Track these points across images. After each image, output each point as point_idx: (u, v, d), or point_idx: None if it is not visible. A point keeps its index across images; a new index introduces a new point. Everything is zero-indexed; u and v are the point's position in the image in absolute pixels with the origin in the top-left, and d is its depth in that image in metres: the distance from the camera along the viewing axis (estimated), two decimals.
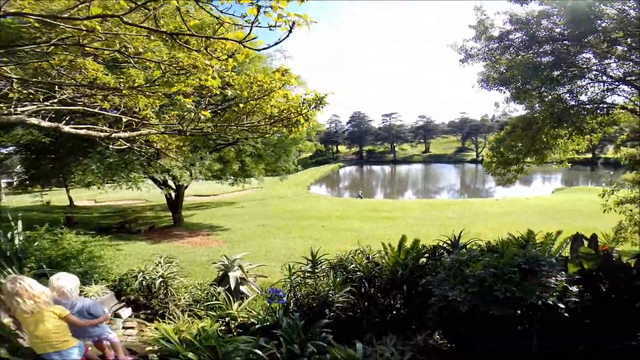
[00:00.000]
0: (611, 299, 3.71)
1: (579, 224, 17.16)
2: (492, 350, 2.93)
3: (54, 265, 4.87)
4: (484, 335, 2.86)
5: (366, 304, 3.95)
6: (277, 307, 4.05)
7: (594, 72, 6.85)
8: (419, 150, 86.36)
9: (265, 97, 4.42)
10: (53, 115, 6.25)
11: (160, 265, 5.64)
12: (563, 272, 3.32)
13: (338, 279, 4.11)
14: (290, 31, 1.97)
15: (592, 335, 3.22)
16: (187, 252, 12.06)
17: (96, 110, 4.54)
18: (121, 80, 4.65)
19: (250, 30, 2.01)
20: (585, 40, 6.06)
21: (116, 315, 4.20)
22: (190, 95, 3.73)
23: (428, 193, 42.09)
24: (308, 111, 4.19)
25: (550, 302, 2.78)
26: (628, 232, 7.19)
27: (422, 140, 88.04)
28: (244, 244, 13.51)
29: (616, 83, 6.73)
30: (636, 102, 6.95)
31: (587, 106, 6.90)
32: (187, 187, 18.41)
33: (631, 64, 6.36)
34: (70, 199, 27.72)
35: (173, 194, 17.50)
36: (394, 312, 4.16)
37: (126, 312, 4.36)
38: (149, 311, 4.99)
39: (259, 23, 2.42)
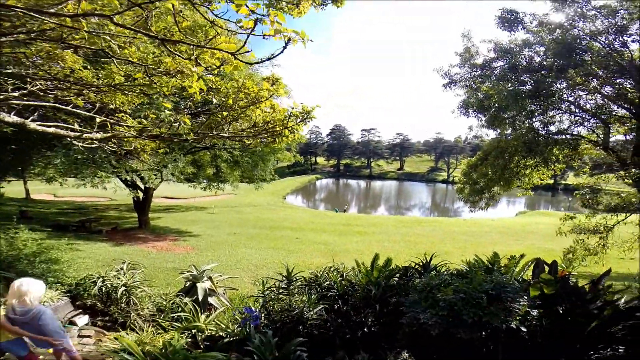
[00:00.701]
0: (567, 321, 3.96)
1: (539, 245, 18.23)
2: None
3: (4, 266, 4.50)
4: (452, 357, 2.94)
5: (339, 321, 3.94)
6: (248, 322, 3.96)
7: (567, 104, 7.42)
8: (394, 167, 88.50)
9: (251, 106, 4.40)
10: (20, 108, 5.87)
11: (122, 271, 5.34)
12: (525, 297, 3.51)
13: (313, 296, 4.08)
14: (285, 47, 1.99)
15: (550, 355, 3.40)
16: (152, 257, 11.51)
17: (69, 107, 4.32)
18: (100, 75, 4.47)
19: (245, 42, 2.01)
20: (565, 71, 6.55)
21: (71, 322, 3.90)
22: (169, 95, 3.65)
23: (400, 210, 43.08)
24: (294, 125, 4.20)
25: (514, 326, 2.92)
26: (576, 255, 7.69)
27: (397, 158, 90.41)
28: (212, 252, 13.11)
29: (586, 116, 7.32)
30: (599, 135, 7.58)
31: (555, 137, 7.44)
32: (155, 189, 17.71)
33: (599, 97, 6.95)
34: (27, 191, 25.78)
35: (141, 195, 16.75)
36: (365, 329, 4.18)
37: (83, 319, 4.06)
38: (106, 318, 4.69)
39: (255, 33, 2.42)
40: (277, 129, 4.81)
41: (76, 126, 5.15)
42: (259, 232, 18.31)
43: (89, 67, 4.51)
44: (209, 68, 2.42)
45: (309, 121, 4.76)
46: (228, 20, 2.73)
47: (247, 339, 3.49)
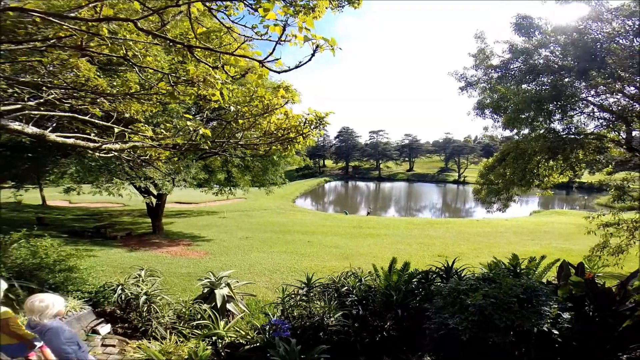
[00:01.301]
0: (597, 323, 3.82)
1: (556, 245, 17.76)
2: None
3: (26, 276, 4.55)
4: None
5: (359, 326, 3.87)
6: (268, 328, 3.91)
7: (586, 104, 7.22)
8: (404, 169, 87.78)
9: (266, 114, 4.38)
10: (37, 118, 5.98)
11: (141, 278, 5.37)
12: (554, 300, 3.39)
13: (333, 302, 4.02)
14: (313, 54, 1.94)
15: (582, 357, 3.28)
16: (167, 263, 11.60)
17: (87, 117, 4.37)
18: (115, 84, 4.52)
19: (274, 49, 1.97)
20: (586, 73, 6.38)
21: (94, 331, 3.92)
22: (190, 105, 3.64)
23: (411, 211, 42.65)
24: (310, 131, 4.16)
25: (545, 329, 2.81)
26: (603, 253, 7.47)
27: (406, 159, 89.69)
28: (226, 257, 13.15)
29: (609, 116, 7.12)
30: (620, 134, 7.36)
31: (577, 138, 7.23)
32: (168, 194, 17.91)
33: (622, 97, 6.73)
34: (43, 198, 26.38)
35: (154, 201, 16.96)
36: (385, 334, 4.10)
37: (105, 328, 4.08)
38: (126, 325, 4.71)
39: (269, 37, 2.38)
40: (291, 135, 4.78)
41: (93, 136, 5.21)
42: (270, 236, 18.33)
43: (101, 75, 4.56)
44: (236, 76, 2.39)
45: (323, 127, 4.73)
46: (244, 26, 2.70)
47: (268, 346, 3.44)
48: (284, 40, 2.25)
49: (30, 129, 3.75)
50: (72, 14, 2.10)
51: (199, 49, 2.29)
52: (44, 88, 4.31)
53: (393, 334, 4.12)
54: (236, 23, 2.83)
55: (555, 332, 2.80)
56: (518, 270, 5.15)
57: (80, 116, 4.18)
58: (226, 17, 2.98)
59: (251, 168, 18.75)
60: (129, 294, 4.74)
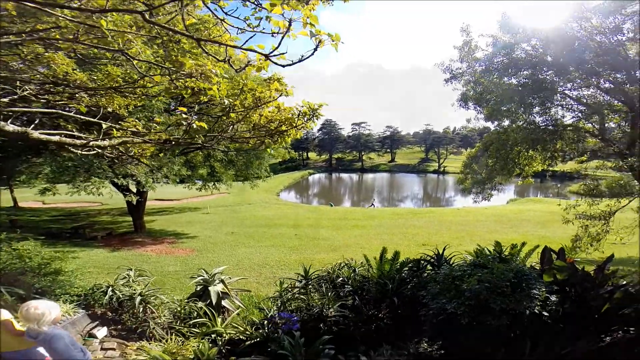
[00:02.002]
0: (580, 305, 4.07)
1: (533, 232, 18.60)
2: (488, 355, 3.07)
3: (10, 281, 4.36)
4: (480, 343, 2.99)
5: (357, 316, 3.96)
6: (266, 323, 3.94)
7: (563, 97, 7.58)
8: (386, 160, 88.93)
9: (257, 107, 4.32)
10: (12, 115, 5.65)
11: (130, 279, 5.25)
12: (542, 283, 3.58)
13: (330, 293, 4.09)
14: (315, 49, 1.94)
15: (569, 338, 3.50)
16: (153, 262, 11.36)
17: (72, 113, 4.18)
18: (96, 77, 4.33)
19: (279, 44, 1.94)
20: (565, 68, 6.68)
21: (90, 335, 3.81)
22: (189, 100, 3.55)
23: (393, 202, 43.39)
24: (303, 123, 4.16)
25: (536, 311, 2.98)
26: (582, 243, 7.94)
27: (388, 150, 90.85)
28: (212, 253, 13.01)
29: (585, 109, 7.51)
30: (595, 126, 7.78)
31: (556, 129, 7.59)
32: (147, 191, 17.40)
33: (598, 91, 7.11)
34: (14, 199, 25.08)
35: (135, 199, 16.46)
36: (382, 322, 4.22)
37: (102, 331, 3.97)
38: (119, 326, 4.61)
39: (263, 29, 2.35)
40: (283, 128, 4.75)
41: (76, 133, 5.00)
42: (256, 230, 18.24)
43: (78, 69, 4.35)
44: (237, 69, 2.34)
45: (316, 119, 4.73)
46: (238, 18, 2.65)
47: (269, 340, 3.48)
48: (279, 34, 2.23)
49: (11, 127, 3.54)
50: (75, 4, 1.99)
51: (215, 44, 2.23)
52: (17, 84, 4.09)
53: (389, 323, 4.24)
54: (229, 15, 2.77)
55: (546, 313, 2.98)
56: (503, 256, 5.38)
57: (65, 112, 3.99)
58: (219, 8, 2.91)
59: (235, 162, 18.48)
60: (121, 295, 4.63)
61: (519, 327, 2.98)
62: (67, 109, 4.91)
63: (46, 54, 3.91)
